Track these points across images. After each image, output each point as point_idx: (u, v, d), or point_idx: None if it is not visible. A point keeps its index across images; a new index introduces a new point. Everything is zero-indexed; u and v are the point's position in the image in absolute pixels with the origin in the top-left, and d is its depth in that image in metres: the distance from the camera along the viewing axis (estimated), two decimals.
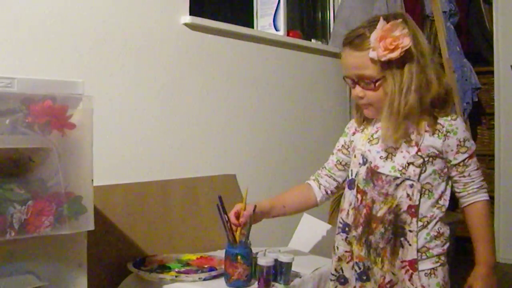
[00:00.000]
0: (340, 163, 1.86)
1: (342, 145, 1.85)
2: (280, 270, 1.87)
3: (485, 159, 4.14)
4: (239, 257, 1.82)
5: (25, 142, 1.37)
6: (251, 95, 2.79)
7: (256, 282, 1.84)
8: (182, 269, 1.98)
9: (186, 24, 2.43)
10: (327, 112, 3.34)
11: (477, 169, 1.64)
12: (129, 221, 2.13)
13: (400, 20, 1.54)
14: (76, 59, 2.04)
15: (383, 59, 1.52)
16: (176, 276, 1.89)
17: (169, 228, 2.28)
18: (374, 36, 1.52)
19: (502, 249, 3.95)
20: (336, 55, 3.36)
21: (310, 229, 2.58)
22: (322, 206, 3.02)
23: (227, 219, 1.85)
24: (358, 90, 1.62)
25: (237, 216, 1.83)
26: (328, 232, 2.49)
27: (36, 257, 1.43)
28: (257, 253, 1.92)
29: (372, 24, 1.57)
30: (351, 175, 1.74)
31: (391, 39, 1.50)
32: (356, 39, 1.58)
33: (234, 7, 3.15)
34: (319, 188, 1.90)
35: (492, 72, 4.07)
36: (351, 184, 1.73)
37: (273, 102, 2.93)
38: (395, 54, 1.51)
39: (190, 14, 2.44)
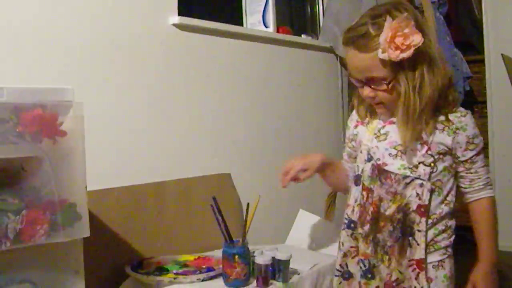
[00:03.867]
0: (350, 156, 1.81)
1: (348, 138, 1.80)
2: (278, 268, 1.88)
3: None
4: (236, 256, 1.83)
5: (16, 151, 1.36)
6: (243, 93, 2.79)
7: (255, 281, 1.85)
8: (180, 271, 1.99)
9: (175, 25, 2.42)
10: (320, 107, 3.34)
11: (484, 166, 1.63)
12: (125, 224, 2.13)
13: (405, 14, 1.47)
14: (64, 64, 2.03)
15: (395, 59, 1.45)
16: (174, 278, 1.89)
17: (165, 230, 2.28)
18: (383, 37, 1.44)
19: (498, 236, 3.96)
20: (326, 50, 3.37)
21: (307, 224, 2.58)
22: (318, 201, 3.06)
23: (221, 219, 1.86)
24: (367, 91, 1.55)
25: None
26: (325, 227, 2.50)
27: (33, 266, 1.43)
28: (254, 252, 1.92)
29: (374, 19, 1.49)
30: (357, 171, 1.69)
31: (402, 38, 1.43)
32: (360, 39, 1.49)
33: (223, 6, 3.14)
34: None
35: (482, 61, 4.07)
36: (357, 180, 1.69)
37: (266, 99, 2.93)
38: (407, 54, 1.44)
39: (178, 14, 2.43)
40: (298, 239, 2.55)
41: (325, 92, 3.38)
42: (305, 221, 2.60)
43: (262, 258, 1.83)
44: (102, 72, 2.16)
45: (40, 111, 1.37)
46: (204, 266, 2.04)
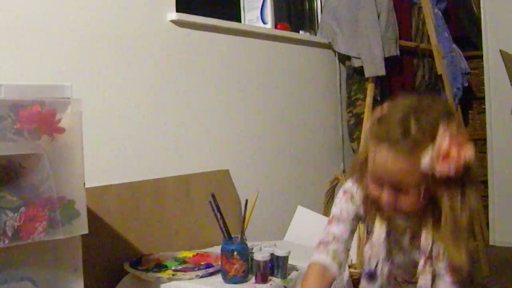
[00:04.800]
0: (353, 231, 1.53)
1: (355, 214, 1.50)
2: (277, 264, 1.88)
3: (477, 143, 4.17)
4: (235, 253, 1.83)
5: (14, 149, 1.36)
6: (241, 89, 2.79)
7: (253, 277, 1.85)
8: (179, 267, 1.99)
9: (173, 21, 2.41)
10: (319, 103, 3.34)
11: None
12: (124, 221, 2.13)
13: (454, 120, 1.27)
14: (62, 61, 2.02)
15: (443, 175, 1.24)
16: (173, 275, 1.89)
17: (164, 226, 2.28)
18: (435, 150, 1.23)
19: (496, 232, 3.98)
20: (325, 46, 3.37)
21: (305, 221, 2.58)
22: (316, 197, 3.07)
23: (220, 216, 1.86)
24: (387, 196, 1.32)
25: None
26: (323, 223, 2.49)
27: (32, 263, 1.43)
28: (253, 248, 1.92)
29: (420, 117, 1.27)
30: (369, 266, 1.48)
31: (456, 151, 1.22)
32: (400, 139, 1.26)
33: (221, 2, 3.13)
34: (339, 267, 1.51)
35: (481, 57, 4.08)
36: (372, 278, 1.49)
37: (264, 96, 2.93)
38: (458, 169, 1.23)
39: (176, 11, 2.42)
40: (296, 235, 2.56)
41: (324, 88, 3.38)
42: (303, 218, 2.61)
43: (260, 255, 1.84)
44: (100, 69, 2.15)
45: (38, 108, 1.37)
46: (203, 263, 2.04)
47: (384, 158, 1.28)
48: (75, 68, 2.06)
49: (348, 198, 1.50)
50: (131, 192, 2.18)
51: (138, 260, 2.06)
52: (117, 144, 2.21)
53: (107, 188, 2.10)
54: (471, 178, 1.29)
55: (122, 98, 2.23)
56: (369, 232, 1.52)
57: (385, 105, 1.36)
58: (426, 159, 1.24)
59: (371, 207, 1.44)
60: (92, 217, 1.91)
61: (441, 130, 1.24)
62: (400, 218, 1.43)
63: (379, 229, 1.46)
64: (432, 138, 1.24)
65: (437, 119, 1.26)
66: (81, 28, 2.08)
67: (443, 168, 1.23)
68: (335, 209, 1.53)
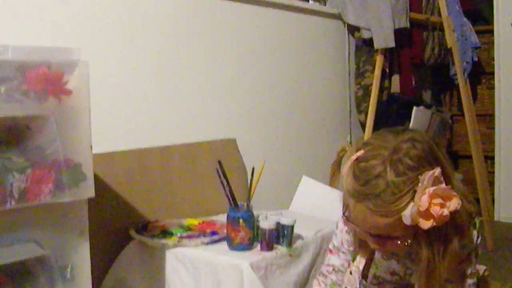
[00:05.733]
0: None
1: (348, 243, 1.47)
2: (282, 232, 1.88)
3: (485, 118, 4.14)
4: (241, 220, 1.83)
5: (21, 110, 1.35)
6: (249, 58, 2.76)
7: (259, 245, 1.85)
8: (185, 234, 1.99)
9: None
10: (327, 74, 3.31)
11: None
12: (130, 187, 2.13)
13: (438, 169, 1.17)
14: (69, 24, 2.00)
15: (424, 228, 1.17)
16: (178, 241, 1.89)
17: (170, 194, 2.28)
18: (415, 208, 1.15)
19: (502, 208, 3.97)
20: (334, 16, 3.33)
21: (310, 191, 2.58)
22: (323, 167, 3.06)
23: (226, 183, 1.85)
24: (375, 244, 1.28)
25: None
26: (328, 193, 2.48)
27: (38, 225, 1.43)
28: (258, 217, 1.92)
29: (396, 169, 1.16)
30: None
31: (438, 206, 1.15)
32: (378, 200, 1.16)
33: None
34: None
35: (491, 31, 4.02)
36: None
37: (272, 66, 2.90)
38: (441, 221, 1.17)
39: None
40: (301, 205, 2.55)
41: (332, 59, 3.35)
42: (309, 188, 2.60)
43: (266, 223, 1.83)
44: (107, 32, 2.14)
45: (45, 69, 1.36)
46: (208, 230, 2.04)
47: (363, 214, 1.21)
48: (82, 31, 2.05)
49: (348, 230, 1.44)
50: (137, 158, 2.18)
51: (144, 227, 2.06)
52: (124, 110, 2.20)
53: (114, 154, 2.09)
54: (456, 227, 1.23)
55: (129, 63, 2.21)
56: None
57: (360, 147, 1.25)
58: (407, 215, 1.16)
59: (360, 247, 1.40)
60: (99, 183, 1.91)
61: (421, 183, 1.15)
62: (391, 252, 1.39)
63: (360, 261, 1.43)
64: (413, 191, 1.16)
65: (417, 169, 1.16)
66: None
67: (425, 225, 1.16)
68: (335, 240, 1.49)
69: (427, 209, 1.14)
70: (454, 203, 1.16)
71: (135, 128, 2.24)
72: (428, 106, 3.40)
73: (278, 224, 1.87)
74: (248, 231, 1.84)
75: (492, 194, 3.96)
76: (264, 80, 2.86)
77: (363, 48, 3.38)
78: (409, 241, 1.24)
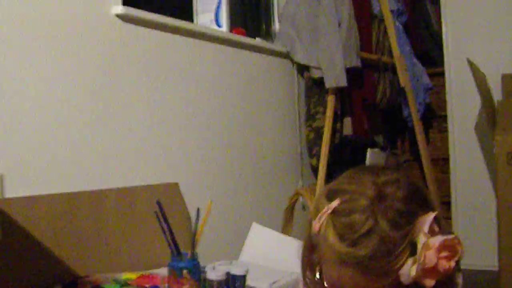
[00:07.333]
0: None
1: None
2: (233, 284, 1.71)
3: (439, 162, 4.09)
4: (185, 271, 1.62)
5: None
6: (192, 96, 2.60)
7: None
8: None
9: (118, 15, 2.21)
10: (276, 116, 3.20)
11: None
12: (57, 237, 1.90)
13: (433, 214, 0.98)
14: None
15: (430, 286, 0.98)
16: None
17: (104, 245, 2.07)
18: (421, 265, 0.95)
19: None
20: (282, 55, 3.24)
21: (261, 239, 2.44)
22: (274, 213, 2.90)
23: (168, 227, 1.64)
24: None
25: None
26: (281, 242, 2.33)
27: None
28: (205, 267, 1.75)
29: (391, 218, 0.96)
30: None
31: (445, 260, 0.97)
32: (375, 261, 0.96)
33: (173, 1, 2.94)
34: None
35: (441, 74, 4.00)
36: None
37: (217, 104, 2.76)
38: (447, 276, 0.98)
39: (123, 4, 2.22)
40: (252, 255, 2.40)
41: (281, 99, 3.25)
42: (260, 236, 2.46)
43: (214, 273, 1.66)
44: (37, 63, 1.93)
45: None
46: (147, 285, 1.84)
47: (350, 280, 0.99)
48: (8, 59, 1.83)
49: None
50: (66, 204, 1.96)
51: (73, 283, 1.85)
52: (52, 149, 1.97)
53: (37, 198, 1.87)
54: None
55: (56, 96, 1.99)
56: None
57: (330, 195, 1.03)
58: (406, 274, 0.97)
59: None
60: (19, 231, 1.70)
61: (420, 233, 0.96)
62: None
63: None
64: (410, 243, 0.97)
65: (410, 214, 0.97)
66: (18, 18, 1.85)
67: (430, 283, 0.97)
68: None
69: (434, 267, 0.95)
70: (459, 252, 0.97)
71: (64, 170, 2.01)
72: (383, 148, 3.29)
73: (228, 274, 1.69)
74: (193, 284, 1.63)
75: None
76: (208, 120, 2.70)
77: (314, 89, 3.28)
78: None
